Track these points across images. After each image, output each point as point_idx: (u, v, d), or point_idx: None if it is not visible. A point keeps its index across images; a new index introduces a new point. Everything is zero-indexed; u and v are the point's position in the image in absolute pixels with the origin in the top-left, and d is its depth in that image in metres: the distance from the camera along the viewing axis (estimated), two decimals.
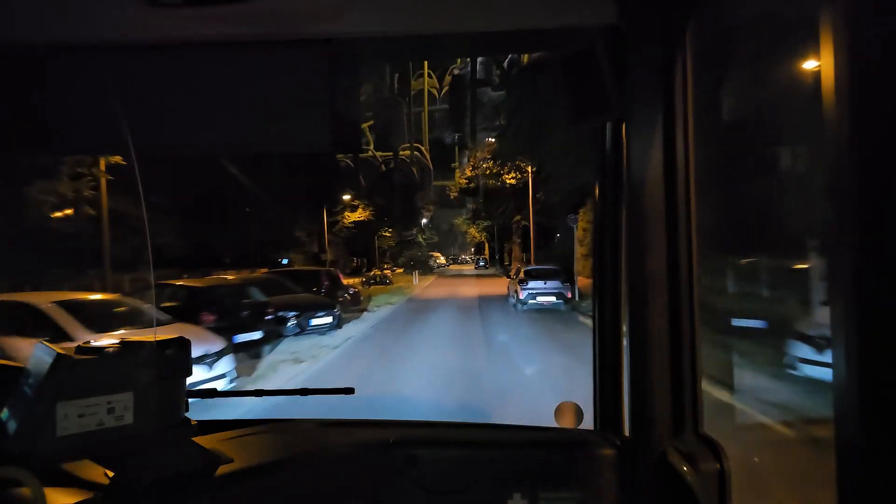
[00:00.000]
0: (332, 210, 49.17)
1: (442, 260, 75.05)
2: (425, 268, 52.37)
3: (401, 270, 47.40)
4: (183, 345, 1.09)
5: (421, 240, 64.54)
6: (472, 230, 61.83)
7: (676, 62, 0.99)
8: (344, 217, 50.45)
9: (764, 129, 1.86)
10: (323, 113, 1.07)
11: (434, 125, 60.26)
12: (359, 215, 50.48)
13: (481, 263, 61.85)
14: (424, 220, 70.54)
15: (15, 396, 1.01)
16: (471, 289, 27.61)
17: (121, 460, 1.03)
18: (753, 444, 1.82)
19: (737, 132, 1.61)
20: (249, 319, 9.93)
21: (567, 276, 16.96)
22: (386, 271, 34.81)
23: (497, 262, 55.77)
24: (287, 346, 10.60)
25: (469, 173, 41.68)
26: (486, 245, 66.00)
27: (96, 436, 0.97)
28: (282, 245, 48.60)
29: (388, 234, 56.53)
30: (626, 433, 1.22)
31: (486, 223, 52.83)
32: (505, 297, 20.03)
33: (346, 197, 48.78)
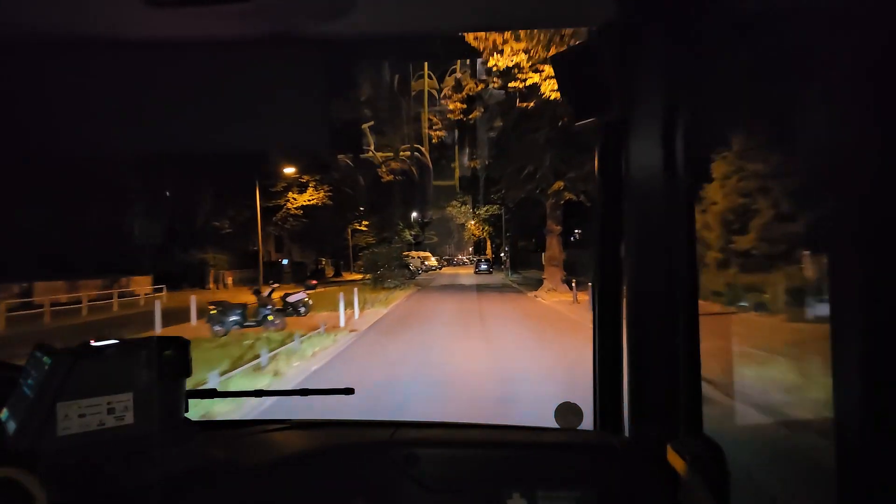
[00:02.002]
0: (269, 189, 33.39)
1: (432, 261, 53.82)
2: (400, 275, 32.77)
3: (369, 277, 30.62)
4: (182, 345, 1.10)
5: (409, 236, 50.05)
6: (471, 225, 49.40)
7: (677, 60, 1.00)
8: (289, 199, 34.94)
9: (765, 128, 1.76)
10: (322, 112, 1.07)
11: (434, 125, 58.06)
12: (310, 197, 34.94)
13: (483, 266, 43.92)
14: (415, 215, 57.90)
15: (15, 396, 1.03)
16: (475, 352, 9.50)
17: (121, 460, 1.04)
18: (753, 444, 1.72)
19: (737, 131, 1.56)
20: None
21: None
22: (301, 292, 15.66)
23: (507, 265, 40.47)
24: None
25: (468, 84, 20.70)
26: (489, 242, 51.84)
27: (97, 436, 0.98)
28: (189, 240, 32.40)
29: (364, 228, 41.73)
30: (626, 433, 1.21)
31: (491, 209, 38.21)
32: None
33: (290, 170, 33.41)
